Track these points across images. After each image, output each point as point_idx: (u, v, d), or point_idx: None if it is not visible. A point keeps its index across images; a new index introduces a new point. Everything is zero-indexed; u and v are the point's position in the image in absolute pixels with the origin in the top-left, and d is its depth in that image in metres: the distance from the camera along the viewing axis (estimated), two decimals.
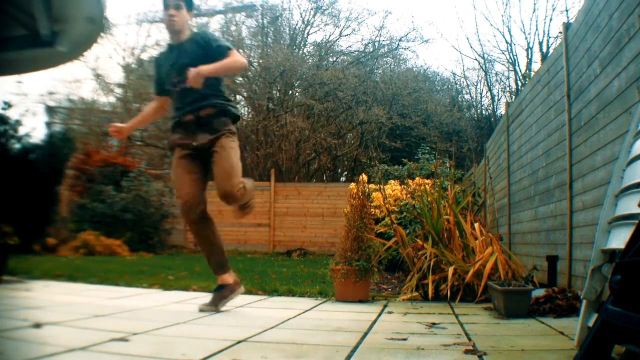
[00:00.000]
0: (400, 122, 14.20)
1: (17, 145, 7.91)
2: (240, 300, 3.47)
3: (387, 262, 4.39)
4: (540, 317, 2.88)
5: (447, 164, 9.83)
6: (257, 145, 13.85)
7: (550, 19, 16.22)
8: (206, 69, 2.84)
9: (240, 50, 14.40)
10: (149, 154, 15.17)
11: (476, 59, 17.22)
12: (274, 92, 14.23)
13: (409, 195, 6.43)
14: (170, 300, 3.36)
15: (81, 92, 18.73)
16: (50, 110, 14.05)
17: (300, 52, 15.65)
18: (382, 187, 6.25)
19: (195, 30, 3.26)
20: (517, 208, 5.85)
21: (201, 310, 2.87)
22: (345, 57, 16.00)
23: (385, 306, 3.39)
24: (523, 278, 3.64)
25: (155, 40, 18.35)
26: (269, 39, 15.26)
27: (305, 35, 16.24)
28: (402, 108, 14.60)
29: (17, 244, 4.28)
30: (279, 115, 13.44)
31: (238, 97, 14.90)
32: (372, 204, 5.57)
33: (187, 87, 2.90)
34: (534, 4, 17.71)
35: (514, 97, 15.32)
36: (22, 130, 7.97)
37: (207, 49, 2.99)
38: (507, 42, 15.78)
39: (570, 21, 4.29)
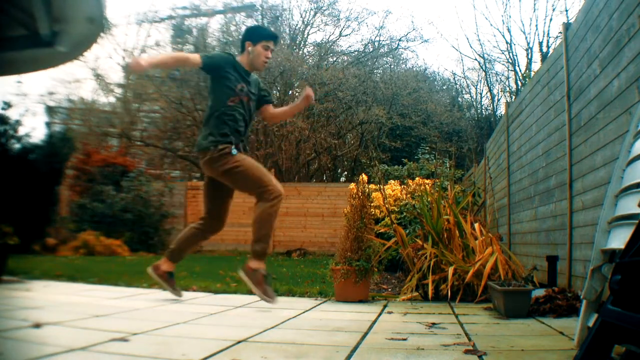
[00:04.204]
0: (400, 122, 14.20)
1: (17, 145, 7.92)
2: (240, 300, 3.48)
3: (387, 262, 4.39)
4: (540, 317, 2.88)
5: (447, 164, 9.83)
6: (257, 145, 13.85)
7: (550, 19, 16.26)
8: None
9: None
10: (149, 154, 15.18)
11: (476, 59, 17.24)
12: (274, 92, 14.23)
13: (408, 196, 6.42)
14: (170, 300, 3.36)
15: (81, 92, 18.75)
16: (50, 110, 14.05)
17: (300, 52, 15.65)
18: (382, 187, 6.25)
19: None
20: (517, 208, 5.85)
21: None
22: (345, 57, 16.00)
23: (385, 306, 3.39)
24: (523, 278, 3.64)
25: (155, 40, 18.41)
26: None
27: (305, 35, 16.26)
28: (402, 108, 14.59)
29: (17, 244, 4.28)
30: None
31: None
32: (372, 204, 5.57)
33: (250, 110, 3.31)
34: (534, 4, 17.76)
35: (514, 97, 15.33)
36: (22, 130, 7.99)
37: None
38: (507, 42, 15.79)
39: (570, 21, 4.29)
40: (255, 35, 3.33)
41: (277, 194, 3.16)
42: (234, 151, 3.12)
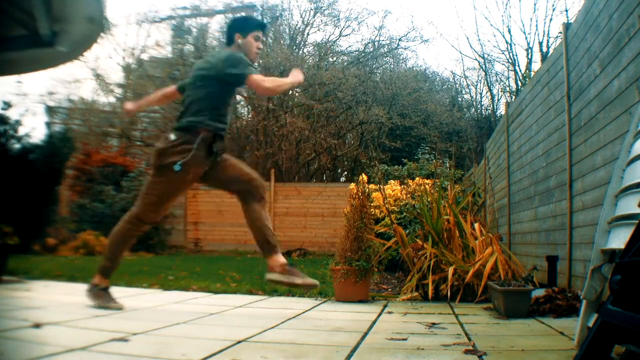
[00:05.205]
0: (400, 122, 14.20)
1: (17, 145, 7.91)
2: (240, 300, 3.48)
3: (387, 262, 4.39)
4: (540, 317, 2.88)
5: (447, 164, 9.83)
6: (256, 145, 13.85)
7: (550, 19, 16.25)
8: None
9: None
10: (149, 154, 15.17)
11: (476, 59, 17.24)
12: None
13: (408, 196, 6.42)
14: (170, 300, 3.37)
15: (81, 92, 18.74)
16: (50, 110, 14.05)
17: (300, 52, 15.64)
18: (382, 187, 6.25)
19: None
20: (517, 208, 5.85)
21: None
22: (345, 57, 15.99)
23: (385, 306, 3.39)
24: (523, 278, 3.64)
25: (155, 40, 18.41)
26: (269, 39, 15.25)
27: (305, 36, 16.25)
28: (402, 108, 14.59)
29: (17, 244, 4.27)
30: (278, 115, 13.44)
31: (238, 96, 14.91)
32: (372, 204, 5.57)
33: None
34: (534, 4, 17.73)
35: (514, 97, 15.33)
36: (22, 130, 7.97)
37: None
38: (507, 42, 15.78)
39: (570, 21, 4.29)
40: (244, 26, 3.10)
41: (145, 223, 2.95)
42: (177, 167, 2.76)
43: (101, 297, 2.91)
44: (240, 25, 3.13)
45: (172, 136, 2.85)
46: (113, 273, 3.04)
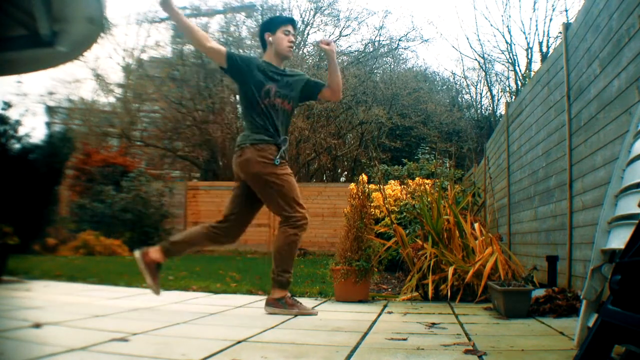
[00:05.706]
0: (400, 122, 14.20)
1: (17, 145, 7.92)
2: (240, 300, 3.48)
3: (387, 262, 4.39)
4: (540, 317, 2.88)
5: (447, 164, 9.84)
6: None
7: (550, 19, 16.27)
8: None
9: (240, 50, 14.42)
10: (149, 154, 15.18)
11: (476, 59, 17.26)
12: None
13: (408, 196, 6.42)
14: (170, 300, 3.37)
15: (81, 92, 18.73)
16: (50, 110, 14.06)
17: (300, 52, 15.64)
18: (382, 187, 6.25)
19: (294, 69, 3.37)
20: (517, 208, 5.85)
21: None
22: (345, 57, 15.99)
23: (385, 306, 3.39)
24: (523, 278, 3.64)
25: (155, 40, 18.41)
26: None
27: (305, 36, 16.25)
28: (402, 108, 14.60)
29: (17, 244, 4.28)
30: None
31: (238, 97, 14.91)
32: (372, 204, 5.57)
33: (288, 114, 3.13)
34: (534, 4, 17.72)
35: (514, 97, 15.33)
36: (22, 130, 7.99)
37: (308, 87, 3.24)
38: (507, 42, 15.81)
39: (570, 21, 4.29)
40: (272, 24, 3.17)
41: (304, 220, 3.04)
42: (277, 161, 2.96)
43: (297, 306, 2.95)
44: (268, 25, 3.22)
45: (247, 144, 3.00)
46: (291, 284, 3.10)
